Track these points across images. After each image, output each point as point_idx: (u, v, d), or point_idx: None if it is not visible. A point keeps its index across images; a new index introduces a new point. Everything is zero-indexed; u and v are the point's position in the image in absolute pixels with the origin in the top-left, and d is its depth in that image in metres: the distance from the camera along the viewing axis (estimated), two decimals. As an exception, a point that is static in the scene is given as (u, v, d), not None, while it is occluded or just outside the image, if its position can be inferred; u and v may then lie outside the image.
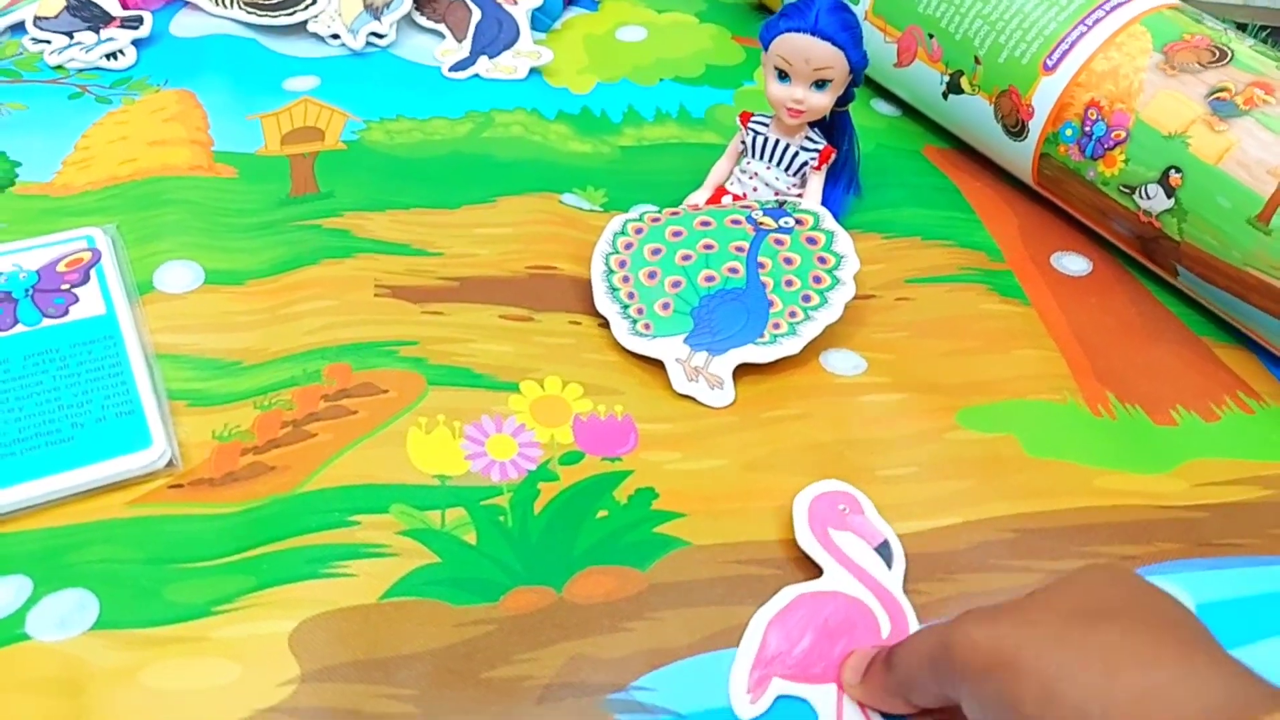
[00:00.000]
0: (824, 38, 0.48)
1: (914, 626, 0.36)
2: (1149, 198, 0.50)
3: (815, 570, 0.38)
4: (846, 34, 0.48)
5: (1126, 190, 0.51)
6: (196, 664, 0.33)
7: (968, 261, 0.53)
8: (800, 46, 0.49)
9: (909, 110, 0.64)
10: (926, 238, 0.55)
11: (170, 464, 0.39)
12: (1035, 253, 0.55)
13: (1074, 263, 0.54)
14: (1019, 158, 0.57)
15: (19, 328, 0.42)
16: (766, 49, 0.50)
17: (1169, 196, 0.49)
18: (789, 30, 0.49)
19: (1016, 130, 0.56)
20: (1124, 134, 0.51)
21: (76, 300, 0.44)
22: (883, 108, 0.65)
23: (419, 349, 0.44)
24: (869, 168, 0.58)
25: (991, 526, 0.41)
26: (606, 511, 0.39)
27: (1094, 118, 0.52)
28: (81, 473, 0.37)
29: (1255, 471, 0.44)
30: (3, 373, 0.40)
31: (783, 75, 0.50)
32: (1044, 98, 0.54)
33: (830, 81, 0.49)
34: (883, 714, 0.34)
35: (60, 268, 0.45)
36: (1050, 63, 0.54)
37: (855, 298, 0.49)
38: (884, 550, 0.38)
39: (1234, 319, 0.50)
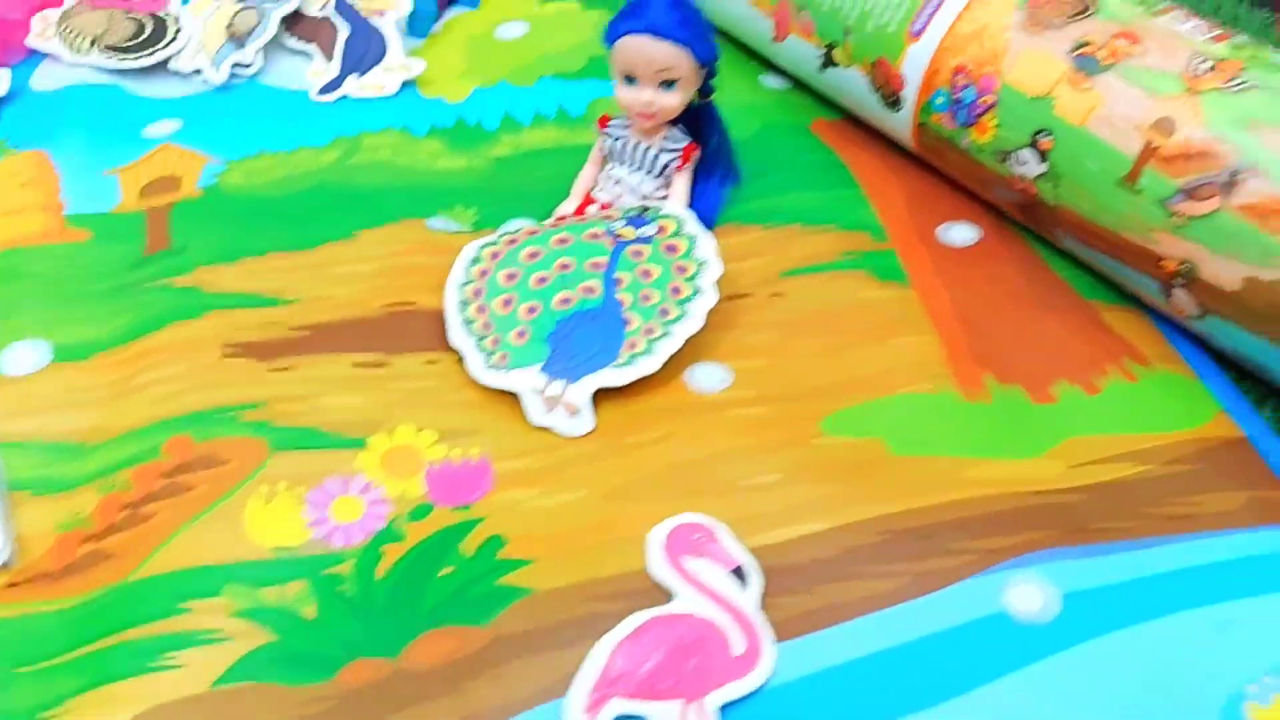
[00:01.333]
0: (663, 37, 0.46)
1: (769, 644, 0.36)
2: (1022, 163, 0.48)
3: (669, 599, 0.37)
4: (686, 30, 0.46)
5: (1001, 157, 0.49)
6: (19, 779, 0.33)
7: (850, 244, 0.52)
8: (640, 48, 0.47)
9: (799, 83, 0.62)
10: (809, 223, 0.53)
11: (6, 563, 0.38)
12: (922, 225, 0.53)
13: (962, 232, 0.52)
14: (899, 128, 0.54)
15: None
16: (610, 51, 0.48)
17: (1041, 161, 0.47)
18: (627, 32, 0.47)
19: (892, 101, 0.53)
20: (992, 99, 0.48)
21: (-81, 395, 0.43)
22: (771, 82, 0.63)
23: (264, 411, 0.43)
24: (754, 151, 0.56)
25: (856, 531, 0.39)
26: (452, 567, 0.38)
27: (962, 84, 0.49)
28: (-84, 582, 0.37)
29: (1133, 446, 0.42)
30: None
31: (629, 78, 0.48)
32: (913, 66, 0.51)
33: (679, 80, 0.47)
34: None
35: (-95, 361, 0.44)
36: (916, 28, 0.51)
37: (728, 298, 0.48)
38: (739, 573, 0.38)
39: (1119, 281, 0.48)
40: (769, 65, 0.63)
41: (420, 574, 0.38)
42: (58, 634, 0.36)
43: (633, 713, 0.34)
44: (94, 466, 0.41)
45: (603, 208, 0.51)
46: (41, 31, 0.63)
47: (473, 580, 0.38)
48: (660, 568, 0.38)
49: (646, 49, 0.46)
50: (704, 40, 0.47)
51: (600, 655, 0.35)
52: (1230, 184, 0.41)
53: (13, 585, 0.38)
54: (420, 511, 0.40)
